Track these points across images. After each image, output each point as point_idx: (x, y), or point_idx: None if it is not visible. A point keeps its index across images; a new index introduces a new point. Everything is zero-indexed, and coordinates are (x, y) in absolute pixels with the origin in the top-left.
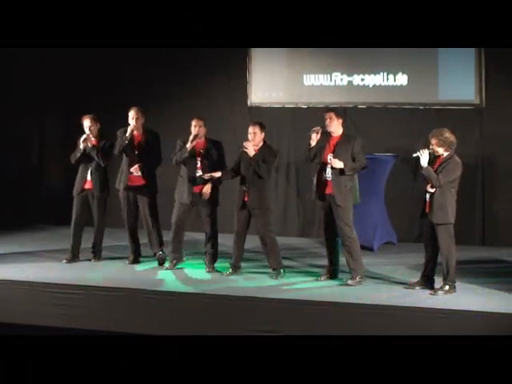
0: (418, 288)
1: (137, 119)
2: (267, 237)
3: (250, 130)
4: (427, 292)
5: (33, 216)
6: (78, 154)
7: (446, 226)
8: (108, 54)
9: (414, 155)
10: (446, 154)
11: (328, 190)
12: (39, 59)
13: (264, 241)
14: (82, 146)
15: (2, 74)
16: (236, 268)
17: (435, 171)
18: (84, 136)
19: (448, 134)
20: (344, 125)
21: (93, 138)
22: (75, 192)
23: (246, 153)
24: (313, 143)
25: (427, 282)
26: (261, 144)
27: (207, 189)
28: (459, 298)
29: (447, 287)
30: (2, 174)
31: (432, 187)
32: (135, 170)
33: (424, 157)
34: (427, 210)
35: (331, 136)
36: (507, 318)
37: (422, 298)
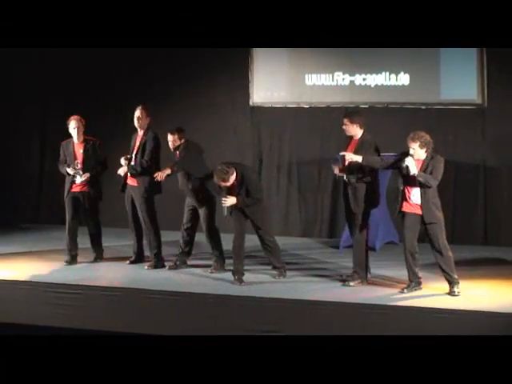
0: (406, 291)
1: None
2: (269, 241)
3: (222, 183)
4: (429, 292)
5: (34, 215)
6: (64, 172)
7: (441, 224)
8: (109, 54)
9: (404, 165)
10: (424, 155)
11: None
12: (39, 59)
13: (266, 244)
14: (70, 171)
15: (2, 74)
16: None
17: (423, 172)
18: (72, 172)
19: (427, 135)
20: (363, 126)
21: (83, 177)
22: (65, 195)
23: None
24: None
25: (415, 284)
26: (233, 179)
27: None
28: (461, 298)
29: (458, 285)
30: (3, 173)
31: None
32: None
33: (412, 163)
34: (414, 211)
35: (352, 138)
36: (508, 318)
37: (424, 298)
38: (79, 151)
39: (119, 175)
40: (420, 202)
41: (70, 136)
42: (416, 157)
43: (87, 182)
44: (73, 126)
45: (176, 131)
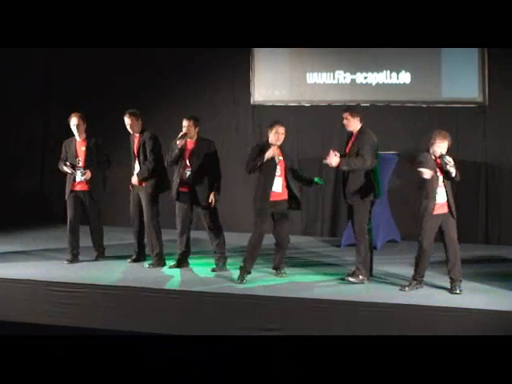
0: (408, 289)
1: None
2: (287, 238)
3: (280, 130)
4: (431, 290)
5: (36, 215)
6: (64, 171)
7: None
8: (110, 54)
9: (454, 175)
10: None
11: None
12: (40, 60)
13: (282, 242)
14: (68, 169)
15: (3, 75)
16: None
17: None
18: (69, 170)
19: None
20: (362, 120)
21: (84, 176)
22: (66, 195)
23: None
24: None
25: (418, 282)
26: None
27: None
28: (462, 297)
29: (460, 283)
30: (4, 171)
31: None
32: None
33: (451, 163)
34: (438, 210)
35: (352, 133)
36: (509, 316)
37: (425, 297)
38: (81, 149)
39: (132, 185)
40: (446, 199)
41: (73, 135)
42: (440, 155)
43: (88, 181)
44: (73, 123)
45: (191, 118)
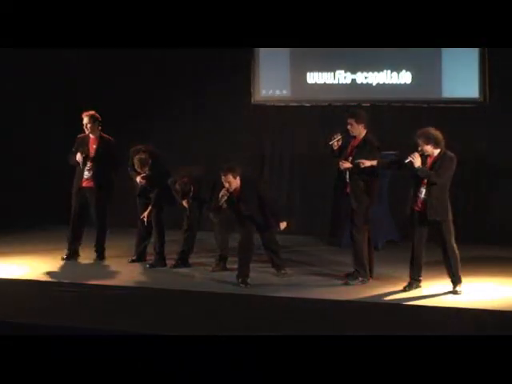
0: (408, 289)
1: None
2: (274, 241)
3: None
4: (431, 290)
5: (36, 215)
6: (72, 163)
7: (449, 223)
8: (110, 54)
9: (407, 161)
10: (436, 151)
11: (347, 190)
12: (41, 60)
13: (271, 243)
14: (79, 158)
15: (3, 75)
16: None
17: (430, 169)
18: (79, 156)
19: (433, 131)
20: (367, 126)
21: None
22: (74, 190)
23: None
24: (335, 148)
25: (416, 282)
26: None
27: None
28: (462, 297)
29: (460, 284)
30: (5, 174)
31: (428, 185)
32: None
33: (416, 159)
34: (421, 209)
35: (354, 137)
36: (510, 316)
37: (425, 297)
38: (93, 146)
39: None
40: (424, 197)
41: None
42: (426, 153)
43: (95, 179)
44: (84, 122)
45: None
